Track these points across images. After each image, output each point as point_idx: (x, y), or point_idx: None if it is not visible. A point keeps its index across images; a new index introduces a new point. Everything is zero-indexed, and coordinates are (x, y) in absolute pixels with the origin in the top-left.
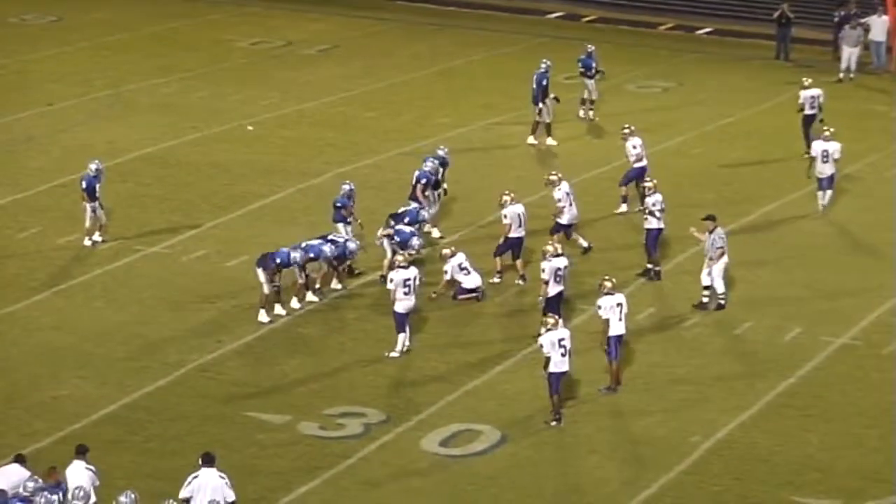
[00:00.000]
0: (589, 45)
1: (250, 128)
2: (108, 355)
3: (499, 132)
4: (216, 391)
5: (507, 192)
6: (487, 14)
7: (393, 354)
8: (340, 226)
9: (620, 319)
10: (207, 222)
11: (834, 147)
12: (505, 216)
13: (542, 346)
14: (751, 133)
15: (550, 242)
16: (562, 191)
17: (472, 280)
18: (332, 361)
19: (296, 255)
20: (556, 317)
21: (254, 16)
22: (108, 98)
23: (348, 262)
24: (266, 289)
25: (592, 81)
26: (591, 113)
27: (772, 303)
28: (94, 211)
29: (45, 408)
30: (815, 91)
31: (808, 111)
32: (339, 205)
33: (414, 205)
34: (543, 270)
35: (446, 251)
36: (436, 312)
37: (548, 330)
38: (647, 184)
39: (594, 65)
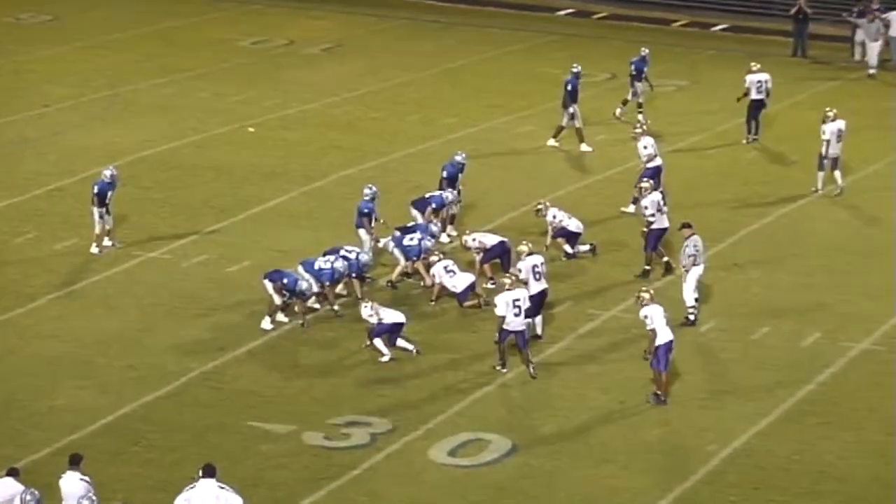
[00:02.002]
0: (643, 49)
1: (252, 129)
2: (107, 364)
3: (507, 133)
4: (218, 400)
5: (466, 231)
6: (494, 11)
7: (383, 359)
8: (362, 232)
9: (667, 325)
10: (208, 227)
11: (844, 125)
12: (474, 239)
13: (496, 305)
14: (768, 132)
15: (524, 242)
16: (551, 216)
17: (461, 280)
18: (337, 369)
19: (303, 285)
20: (515, 275)
21: (255, 14)
22: (106, 99)
23: (362, 274)
24: (277, 299)
25: (642, 85)
26: (641, 116)
27: (790, 307)
28: (100, 216)
29: (42, 418)
30: (763, 76)
31: (754, 96)
32: (366, 211)
33: (421, 220)
34: (520, 271)
35: (434, 258)
36: (443, 319)
37: (507, 289)
38: (643, 184)
39: (646, 69)
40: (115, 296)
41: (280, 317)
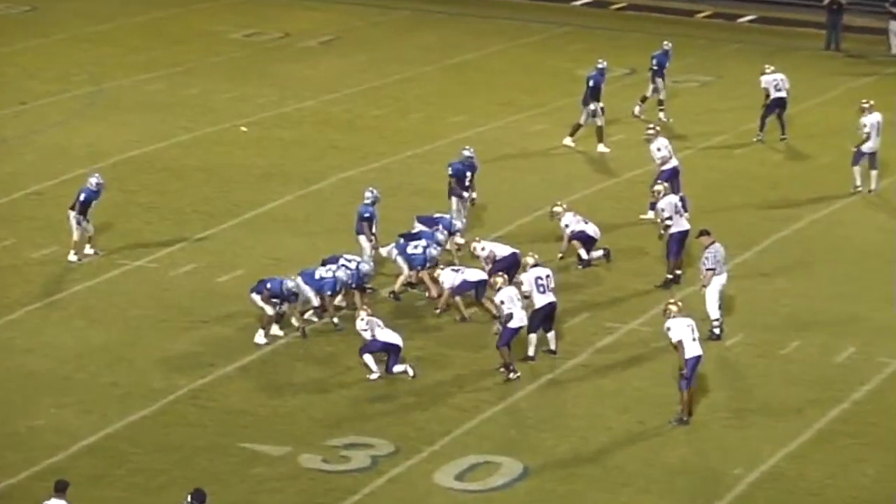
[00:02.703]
0: (666, 42)
1: (244, 128)
2: (89, 381)
3: (517, 132)
4: (208, 420)
5: (476, 238)
6: (504, 0)
7: (371, 377)
8: (362, 239)
9: (695, 340)
10: (198, 233)
11: (881, 117)
12: (483, 248)
13: (501, 302)
14: (798, 131)
15: (530, 254)
16: (564, 223)
17: (471, 274)
18: (335, 386)
19: (288, 284)
20: (505, 276)
21: (248, 4)
22: (88, 96)
23: (363, 284)
24: (269, 310)
25: (663, 81)
26: (661, 114)
27: (822, 319)
28: (79, 223)
29: (18, 439)
30: (778, 75)
31: (774, 94)
32: (367, 215)
33: (421, 227)
34: (522, 283)
35: (438, 271)
36: (450, 332)
37: (499, 289)
38: (656, 187)
39: (668, 64)
40: (97, 307)
41: (275, 330)
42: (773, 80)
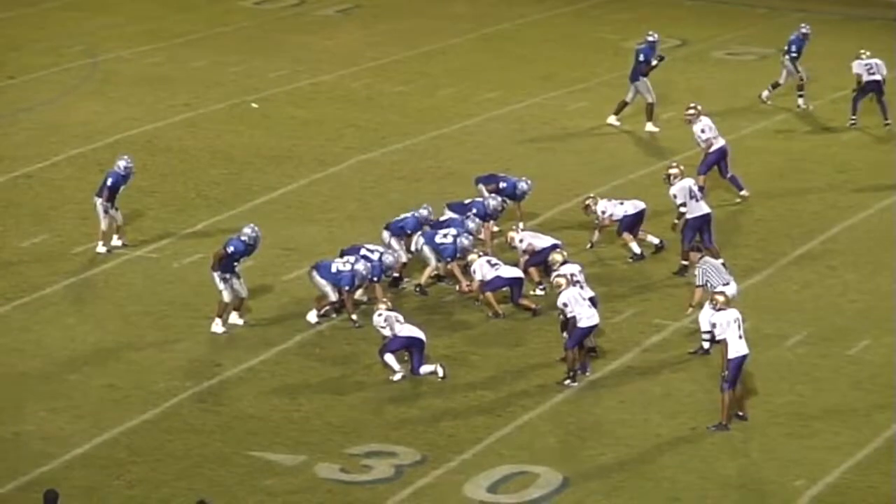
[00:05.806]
0: (803, 25)
1: (255, 105)
2: (83, 382)
3: (557, 110)
4: (215, 426)
5: (515, 227)
6: None
7: (394, 378)
8: (388, 235)
9: (741, 337)
10: (203, 220)
11: None
12: (521, 240)
13: (565, 304)
14: (868, 110)
15: (558, 251)
16: (600, 210)
17: (507, 271)
18: (355, 389)
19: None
20: (567, 276)
21: None
22: (83, 69)
23: (387, 277)
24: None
25: (794, 64)
26: (800, 100)
27: (894, 317)
28: (106, 211)
29: (5, 446)
30: (873, 60)
31: (867, 77)
32: (401, 226)
33: (451, 214)
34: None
35: (473, 256)
36: (481, 330)
37: (561, 290)
38: (671, 171)
39: (805, 48)
40: (92, 302)
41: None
42: (867, 65)
